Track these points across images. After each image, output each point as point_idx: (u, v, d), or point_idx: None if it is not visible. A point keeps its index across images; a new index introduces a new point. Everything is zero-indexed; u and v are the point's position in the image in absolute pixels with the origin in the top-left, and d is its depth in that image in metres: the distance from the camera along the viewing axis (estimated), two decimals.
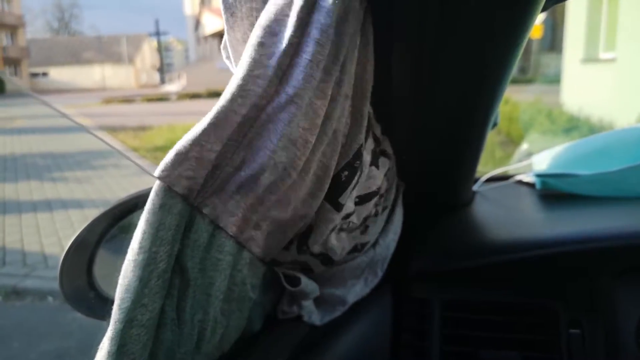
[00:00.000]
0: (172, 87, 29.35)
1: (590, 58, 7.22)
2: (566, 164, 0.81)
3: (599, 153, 0.79)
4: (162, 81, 37.52)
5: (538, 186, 0.81)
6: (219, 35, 31.12)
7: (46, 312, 2.84)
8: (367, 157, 0.47)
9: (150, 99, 19.46)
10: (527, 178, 0.85)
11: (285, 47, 0.33)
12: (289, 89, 0.34)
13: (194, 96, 19.34)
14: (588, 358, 0.62)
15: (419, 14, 0.42)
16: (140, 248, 0.32)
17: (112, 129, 10.13)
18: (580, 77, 7.41)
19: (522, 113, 6.02)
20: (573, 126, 5.97)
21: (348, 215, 0.48)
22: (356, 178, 0.45)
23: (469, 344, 0.65)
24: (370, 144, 0.48)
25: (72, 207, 4.81)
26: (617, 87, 6.05)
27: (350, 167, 0.44)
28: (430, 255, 0.69)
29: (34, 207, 4.87)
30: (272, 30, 0.33)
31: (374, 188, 0.51)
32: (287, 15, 0.33)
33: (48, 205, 4.93)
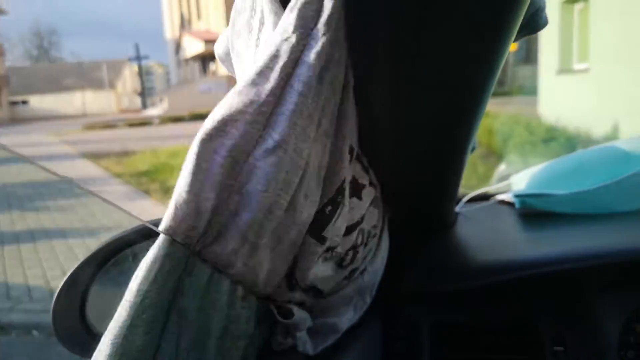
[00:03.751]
0: (154, 111, 29.22)
1: (565, 69, 7.40)
2: (543, 183, 0.83)
3: (574, 172, 0.82)
4: (144, 105, 37.31)
5: (517, 205, 0.84)
6: (200, 57, 31.17)
7: (32, 347, 2.78)
8: (347, 190, 0.50)
9: (132, 124, 19.35)
10: (507, 197, 0.88)
11: (266, 97, 0.35)
12: (275, 135, 0.36)
13: (177, 119, 19.28)
14: None
15: (397, 53, 0.44)
16: (138, 291, 0.34)
17: (95, 156, 10.03)
18: (556, 88, 7.58)
19: (502, 125, 6.14)
20: (551, 137, 6.09)
21: (333, 248, 0.50)
22: (339, 211, 0.47)
23: None
24: (352, 177, 0.50)
25: (55, 237, 4.74)
26: (592, 97, 6.20)
27: (333, 202, 0.46)
28: (417, 279, 0.70)
29: (17, 238, 4.79)
30: (254, 82, 0.35)
31: (357, 218, 0.53)
32: (270, 69, 0.35)
33: (31, 236, 4.85)
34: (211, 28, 29.20)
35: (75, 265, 0.59)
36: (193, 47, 29.57)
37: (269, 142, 0.36)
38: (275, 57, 0.36)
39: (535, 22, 0.50)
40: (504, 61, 0.48)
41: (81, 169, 8.65)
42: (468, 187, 0.94)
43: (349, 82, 0.43)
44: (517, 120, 6.82)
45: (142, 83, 41.00)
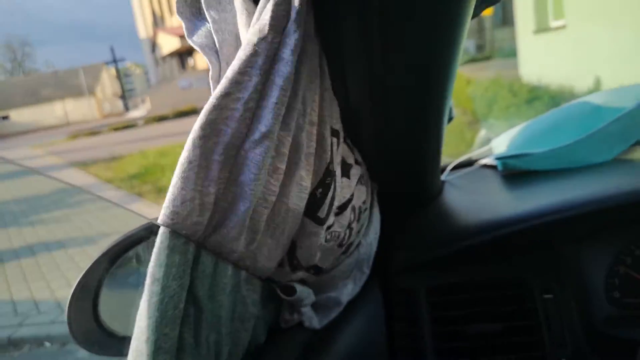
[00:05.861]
0: (137, 113, 28.96)
1: (542, 28, 7.40)
2: (522, 144, 0.87)
3: (550, 130, 0.85)
4: (126, 108, 36.94)
5: (499, 168, 0.87)
6: (177, 54, 30.81)
7: (46, 358, 2.82)
8: (338, 171, 0.53)
9: (117, 128, 19.20)
10: (489, 161, 0.91)
11: (250, 93, 0.38)
12: (262, 127, 0.39)
13: (161, 119, 19.17)
14: (563, 319, 0.68)
15: (365, 39, 0.47)
16: (155, 286, 0.37)
17: (83, 164, 9.97)
18: (535, 48, 7.58)
19: (485, 91, 6.17)
20: (534, 97, 6.13)
21: (330, 227, 0.53)
22: (331, 192, 0.50)
23: (456, 322, 0.71)
24: (339, 158, 0.53)
25: (54, 249, 4.75)
26: (571, 53, 6.23)
27: (322, 185, 0.49)
28: (410, 248, 0.74)
29: (16, 254, 4.79)
30: (237, 81, 0.38)
31: (348, 196, 0.56)
32: (251, 67, 0.38)
33: (30, 250, 4.85)
34: None
35: (87, 268, 0.61)
36: (169, 43, 29.18)
37: (256, 134, 0.39)
38: (254, 55, 0.38)
39: None
40: (466, 32, 0.51)
41: (71, 178, 8.60)
42: (456, 153, 0.97)
43: (325, 70, 0.46)
44: (500, 84, 6.84)
45: (122, 85, 40.53)
